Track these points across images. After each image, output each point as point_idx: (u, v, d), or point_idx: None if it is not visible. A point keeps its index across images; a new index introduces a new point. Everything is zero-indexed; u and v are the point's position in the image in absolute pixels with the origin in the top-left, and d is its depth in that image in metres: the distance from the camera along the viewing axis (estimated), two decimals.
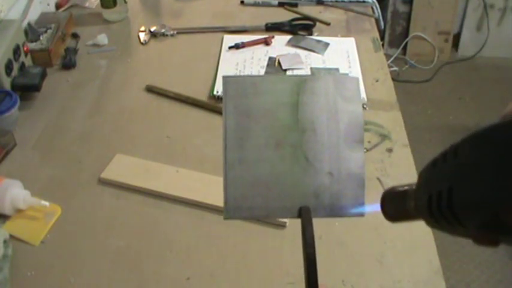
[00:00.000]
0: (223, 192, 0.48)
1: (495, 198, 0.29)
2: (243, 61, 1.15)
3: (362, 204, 0.49)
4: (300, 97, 0.49)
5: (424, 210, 0.36)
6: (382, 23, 1.40)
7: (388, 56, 2.66)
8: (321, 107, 0.49)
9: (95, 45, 1.23)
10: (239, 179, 0.48)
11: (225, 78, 0.49)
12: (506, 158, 0.29)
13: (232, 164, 0.48)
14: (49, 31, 1.17)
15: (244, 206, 0.48)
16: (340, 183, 0.49)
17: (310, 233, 0.46)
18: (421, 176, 0.38)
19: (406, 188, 0.42)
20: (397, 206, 0.42)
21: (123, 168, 0.87)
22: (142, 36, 1.26)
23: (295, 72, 1.11)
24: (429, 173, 0.36)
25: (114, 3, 1.31)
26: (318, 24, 1.29)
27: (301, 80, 0.50)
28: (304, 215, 0.48)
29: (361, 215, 0.49)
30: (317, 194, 0.48)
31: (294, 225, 0.74)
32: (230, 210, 0.48)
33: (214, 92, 1.05)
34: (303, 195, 0.48)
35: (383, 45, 2.28)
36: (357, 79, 0.51)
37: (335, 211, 0.49)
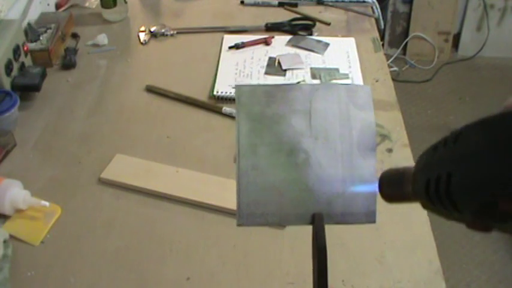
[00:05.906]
0: (236, 198, 0.48)
1: (494, 185, 0.29)
2: (243, 61, 1.15)
3: (374, 211, 0.49)
4: (312, 104, 0.49)
5: (421, 193, 0.36)
6: (382, 23, 1.39)
7: (388, 56, 2.66)
8: (333, 114, 0.49)
9: (95, 45, 1.23)
10: (252, 185, 0.48)
11: (237, 86, 0.49)
12: (507, 146, 0.29)
13: (246, 170, 0.48)
14: (49, 31, 1.17)
15: (257, 212, 0.48)
16: (353, 190, 0.49)
17: (322, 240, 0.46)
18: (421, 159, 0.37)
19: (403, 170, 0.42)
20: (394, 187, 0.42)
21: (123, 168, 0.87)
22: (142, 36, 1.26)
23: (295, 72, 1.11)
24: (429, 157, 0.36)
25: (114, 3, 1.31)
26: (318, 24, 1.29)
27: (314, 89, 0.50)
28: (317, 222, 0.47)
29: (372, 222, 0.49)
30: (329, 201, 0.48)
31: (294, 226, 0.74)
32: (243, 217, 0.48)
33: (214, 92, 1.05)
34: (316, 202, 0.48)
35: (383, 45, 2.28)
36: (368, 88, 0.51)
37: (347, 218, 0.49)
